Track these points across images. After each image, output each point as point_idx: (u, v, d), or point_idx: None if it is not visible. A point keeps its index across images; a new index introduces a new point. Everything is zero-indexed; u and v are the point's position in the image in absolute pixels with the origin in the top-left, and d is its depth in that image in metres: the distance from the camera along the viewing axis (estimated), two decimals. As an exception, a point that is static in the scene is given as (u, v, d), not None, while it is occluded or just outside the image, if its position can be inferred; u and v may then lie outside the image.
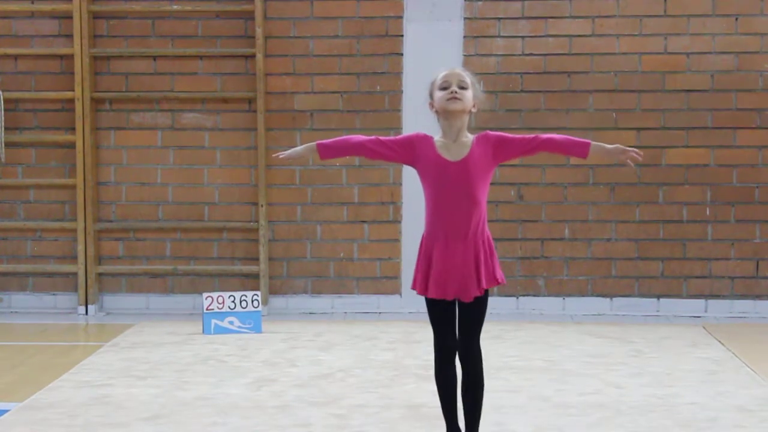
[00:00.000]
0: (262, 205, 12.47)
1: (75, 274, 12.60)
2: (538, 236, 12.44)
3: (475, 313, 6.43)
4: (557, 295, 12.47)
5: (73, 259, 12.60)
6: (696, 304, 12.37)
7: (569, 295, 12.42)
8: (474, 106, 6.48)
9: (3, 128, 12.44)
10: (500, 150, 6.40)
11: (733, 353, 10.16)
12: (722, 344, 10.60)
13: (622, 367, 9.58)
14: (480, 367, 6.46)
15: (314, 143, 6.76)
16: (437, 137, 6.47)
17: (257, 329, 11.26)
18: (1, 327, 11.86)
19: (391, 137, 6.63)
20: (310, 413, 8.00)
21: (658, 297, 12.42)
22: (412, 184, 12.26)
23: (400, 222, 12.52)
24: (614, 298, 12.44)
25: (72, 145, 12.53)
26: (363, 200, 12.54)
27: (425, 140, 6.46)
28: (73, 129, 12.50)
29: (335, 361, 9.87)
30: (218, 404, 8.26)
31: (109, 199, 12.69)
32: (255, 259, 12.53)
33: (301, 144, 12.18)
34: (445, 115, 6.41)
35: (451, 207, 6.29)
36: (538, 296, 12.45)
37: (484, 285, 6.33)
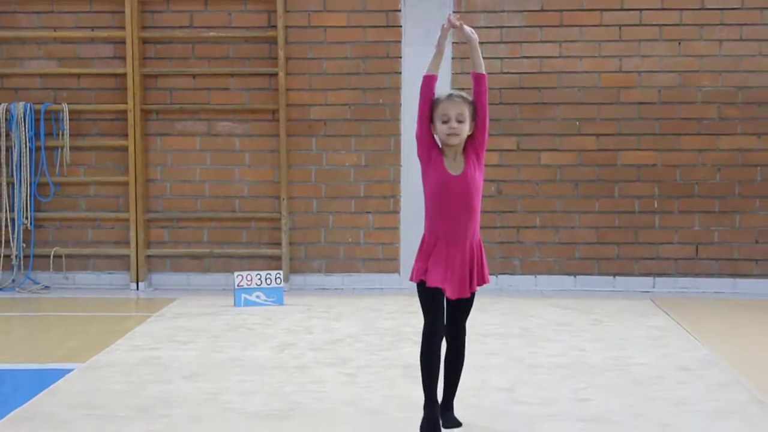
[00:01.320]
0: (283, 199, 12.47)
1: (128, 256, 12.61)
2: (514, 224, 12.44)
3: (466, 306, 6.32)
4: (530, 273, 12.48)
5: (126, 243, 12.61)
6: (646, 281, 12.38)
7: (540, 274, 12.42)
8: (470, 129, 6.23)
9: (69, 135, 12.47)
10: (475, 139, 6.22)
11: (677, 322, 10.17)
12: (667, 314, 10.60)
13: (584, 334, 9.60)
14: (464, 344, 6.39)
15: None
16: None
17: (280, 302, 11.27)
18: (66, 301, 11.86)
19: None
20: (324, 372, 8.02)
21: (614, 275, 12.43)
22: (409, 181, 12.31)
23: (399, 213, 12.52)
24: (577, 276, 12.45)
25: (125, 149, 12.54)
26: (368, 194, 12.53)
27: (439, 149, 6.27)
28: (126, 135, 12.50)
29: (345, 328, 9.89)
30: (247, 365, 8.28)
31: (156, 194, 12.70)
32: (278, 244, 12.54)
33: (317, 148, 12.36)
34: (444, 144, 6.21)
35: (451, 217, 6.17)
36: (514, 275, 12.46)
37: (475, 286, 6.24)
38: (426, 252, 6.24)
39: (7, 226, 12.52)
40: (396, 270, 12.53)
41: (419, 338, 9.15)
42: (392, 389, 7.45)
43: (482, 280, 6.29)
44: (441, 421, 6.19)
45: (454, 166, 6.19)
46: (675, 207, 12.32)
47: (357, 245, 12.59)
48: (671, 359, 8.46)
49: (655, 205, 12.33)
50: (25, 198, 12.49)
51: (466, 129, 6.17)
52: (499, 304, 11.18)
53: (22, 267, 12.58)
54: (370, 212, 12.56)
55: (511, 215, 12.42)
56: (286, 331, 9.78)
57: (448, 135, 6.11)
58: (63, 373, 7.93)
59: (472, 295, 6.30)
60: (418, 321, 9.98)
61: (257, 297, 11.25)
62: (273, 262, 12.47)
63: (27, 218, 12.52)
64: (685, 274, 12.35)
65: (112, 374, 7.91)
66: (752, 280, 12.28)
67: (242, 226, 12.66)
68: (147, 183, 12.64)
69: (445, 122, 6.15)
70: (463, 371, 6.48)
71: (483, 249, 6.31)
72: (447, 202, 6.17)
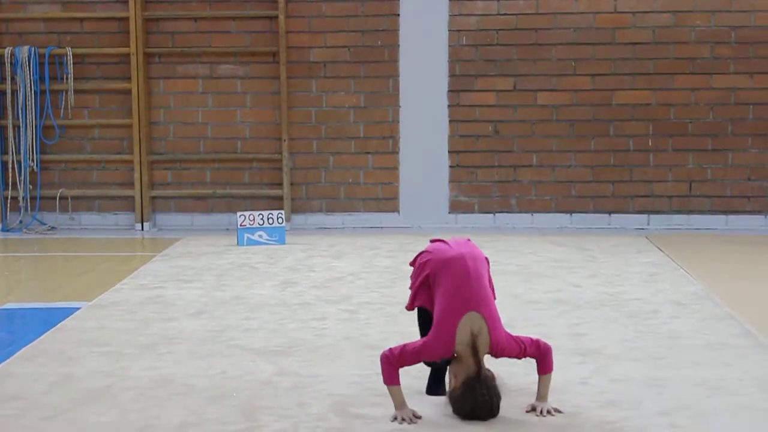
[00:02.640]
0: (284, 140, 12.43)
1: (132, 197, 12.58)
2: (511, 164, 12.40)
3: None
4: (527, 211, 12.46)
5: (131, 185, 12.58)
6: (640, 219, 12.36)
7: (537, 212, 12.40)
8: None
9: (73, 78, 12.41)
10: None
11: (670, 258, 10.16)
12: (661, 251, 10.60)
13: (580, 270, 9.60)
14: None
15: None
16: None
17: (282, 241, 11.26)
18: (73, 241, 11.87)
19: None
20: (326, 309, 8.03)
21: (609, 213, 12.41)
22: (407, 121, 12.27)
23: (398, 153, 12.48)
24: (573, 214, 12.43)
25: (128, 92, 12.47)
26: (367, 135, 12.49)
27: None
28: (129, 79, 12.44)
29: (345, 267, 9.88)
30: (250, 302, 8.28)
31: (159, 136, 12.65)
32: (279, 184, 12.51)
33: (317, 89, 12.30)
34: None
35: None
36: (511, 213, 12.44)
37: None
38: None
39: (13, 169, 12.50)
40: (395, 209, 12.51)
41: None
42: (392, 326, 7.46)
43: None
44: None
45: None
46: (669, 145, 12.28)
47: (357, 185, 12.56)
48: (665, 294, 8.46)
49: (650, 144, 12.29)
50: (30, 140, 12.45)
51: None
52: (496, 241, 11.17)
53: (29, 208, 12.56)
54: (369, 153, 12.52)
55: (508, 155, 12.38)
56: (288, 269, 9.78)
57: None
58: (70, 311, 7.93)
59: None
60: (417, 259, 10.01)
61: (260, 236, 11.24)
62: (275, 202, 12.46)
63: (33, 160, 12.49)
64: (678, 211, 12.34)
65: (117, 312, 7.92)
66: (744, 217, 12.27)
67: (244, 167, 12.62)
68: (150, 125, 12.59)
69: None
70: None
71: None
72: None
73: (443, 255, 5.52)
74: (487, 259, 5.69)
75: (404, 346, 5.30)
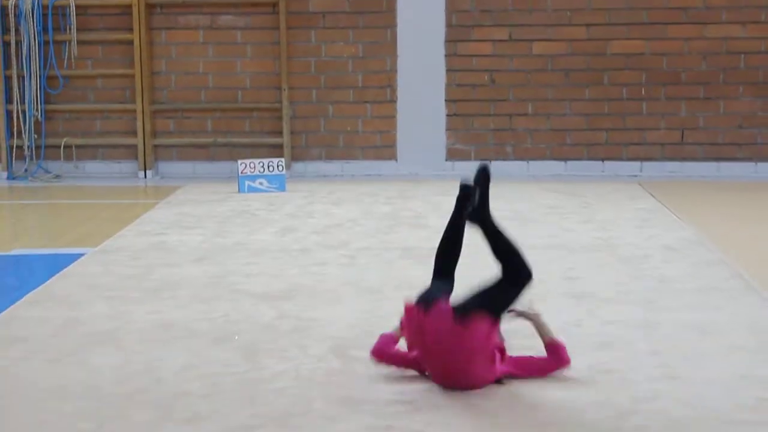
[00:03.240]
0: (284, 89, 12.38)
1: (135, 146, 12.55)
2: (507, 112, 12.36)
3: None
4: (522, 159, 12.44)
5: (134, 133, 12.55)
6: (633, 166, 12.35)
7: (532, 159, 12.38)
8: None
9: (76, 29, 12.35)
10: None
11: (663, 204, 10.16)
12: (654, 197, 10.60)
13: (574, 216, 9.60)
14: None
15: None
16: None
17: (282, 188, 11.24)
18: (77, 189, 11.86)
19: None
20: (326, 254, 8.03)
21: (603, 160, 12.39)
22: (405, 71, 12.23)
23: (395, 102, 12.44)
24: (568, 161, 12.41)
25: (131, 43, 12.40)
26: (366, 84, 12.45)
27: None
28: (131, 29, 12.36)
29: (344, 213, 9.88)
30: (252, 248, 8.29)
31: (161, 86, 12.61)
32: (279, 133, 12.48)
33: (316, 40, 12.24)
34: None
35: None
36: (507, 160, 12.41)
37: None
38: None
39: (18, 118, 12.46)
40: (393, 157, 12.49)
41: (416, 222, 9.19)
42: (390, 270, 7.47)
43: None
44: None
45: None
46: (662, 94, 12.24)
47: (355, 133, 12.53)
48: (657, 239, 8.47)
49: (643, 93, 12.25)
50: (35, 90, 12.41)
51: None
52: (492, 189, 11.12)
53: (34, 157, 12.54)
54: (367, 102, 12.48)
55: (504, 103, 12.34)
56: (289, 216, 9.78)
57: None
58: (75, 257, 7.94)
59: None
60: (415, 206, 10.03)
61: (260, 184, 11.23)
62: (275, 150, 12.42)
63: (38, 110, 12.45)
64: (671, 159, 12.32)
65: (121, 258, 7.92)
66: (735, 164, 12.26)
67: (245, 116, 12.59)
68: (152, 75, 12.54)
69: None
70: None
71: None
72: None
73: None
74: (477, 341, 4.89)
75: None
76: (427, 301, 4.99)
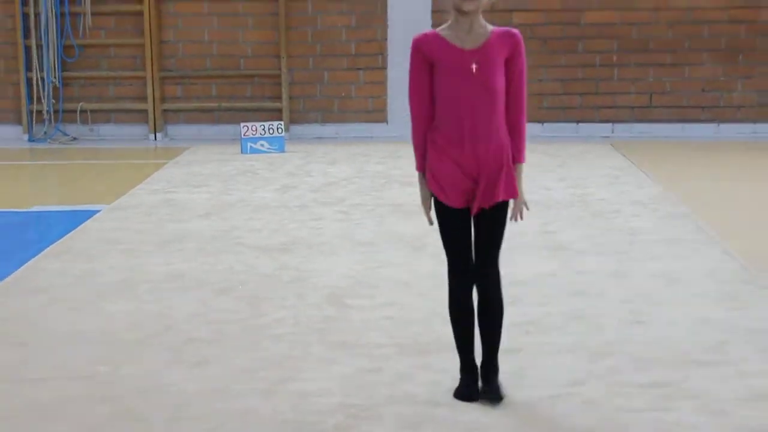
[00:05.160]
0: (283, 57, 12.32)
1: (145, 110, 12.50)
2: (488, 78, 12.31)
3: (494, 229, 4.37)
4: (503, 121, 12.39)
5: (144, 99, 12.49)
6: (605, 128, 12.33)
7: (512, 122, 12.35)
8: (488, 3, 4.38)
9: (90, 2, 12.25)
10: (509, 59, 4.43)
11: (632, 163, 10.16)
12: (625, 156, 10.60)
13: (551, 174, 9.59)
14: (499, 292, 4.31)
15: (418, 174, 4.49)
16: (442, 29, 4.39)
17: (281, 149, 11.22)
18: (92, 150, 11.82)
19: (414, 74, 4.53)
20: (323, 210, 8.03)
21: (577, 122, 12.38)
22: (394, 38, 12.18)
23: (386, 68, 12.39)
24: (545, 123, 12.39)
25: (141, 14, 12.32)
26: (358, 52, 12.39)
27: (429, 40, 4.41)
28: (142, 1, 12.27)
29: (339, 172, 9.87)
30: (254, 204, 8.28)
31: (169, 54, 12.53)
32: (279, 98, 12.43)
33: (312, 10, 12.17)
34: (458, 12, 4.31)
35: (471, 102, 4.33)
36: (488, 123, 12.36)
37: (505, 195, 4.42)
38: (438, 160, 4.41)
39: (38, 84, 12.39)
40: (384, 120, 12.47)
41: (407, 180, 9.16)
42: (381, 225, 7.47)
43: (513, 191, 4.49)
44: (479, 388, 4.28)
45: (468, 40, 4.33)
46: (631, 60, 12.21)
47: (349, 98, 12.49)
48: (627, 195, 8.48)
49: (614, 59, 12.22)
50: (52, 59, 12.34)
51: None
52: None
53: (52, 121, 12.48)
54: (360, 68, 12.43)
55: (486, 70, 12.28)
56: (288, 174, 9.76)
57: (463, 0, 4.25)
58: (91, 213, 7.92)
59: (503, 214, 4.42)
60: (404, 165, 10.02)
61: (261, 145, 11.20)
62: (275, 114, 12.38)
63: (55, 77, 12.39)
64: (640, 121, 12.31)
65: (134, 214, 7.91)
66: (699, 125, 12.25)
67: (247, 82, 12.53)
68: (161, 44, 12.46)
69: None
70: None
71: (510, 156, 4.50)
72: (462, 82, 4.33)
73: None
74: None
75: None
76: None
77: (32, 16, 12.26)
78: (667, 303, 5.45)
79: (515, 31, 4.41)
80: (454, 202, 4.29)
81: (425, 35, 4.41)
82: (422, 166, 4.46)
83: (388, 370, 4.52)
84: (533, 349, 4.77)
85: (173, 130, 12.64)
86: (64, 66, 12.45)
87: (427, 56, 4.39)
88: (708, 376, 4.40)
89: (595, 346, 4.79)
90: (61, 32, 12.34)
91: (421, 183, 4.45)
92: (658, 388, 4.27)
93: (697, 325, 5.08)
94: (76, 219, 7.71)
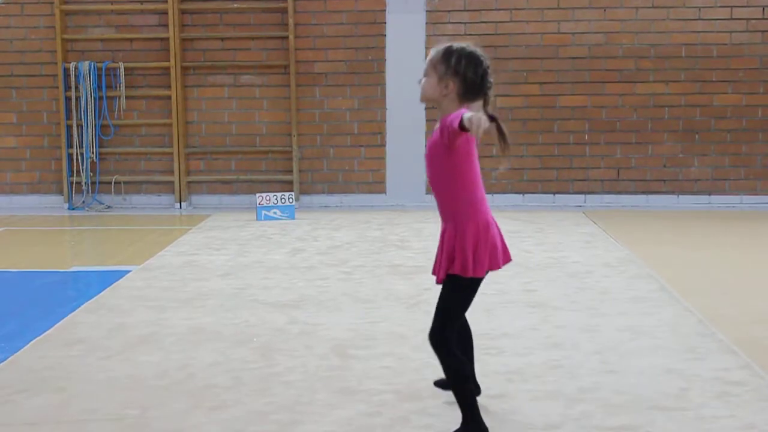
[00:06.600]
0: (294, 136, 12.40)
1: (172, 182, 12.56)
2: (475, 154, 12.37)
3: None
4: (487, 192, 12.20)
5: (171, 172, 12.55)
6: (578, 198, 12.38)
7: (495, 193, 12.39)
8: (447, 87, 4.07)
9: (124, 87, 12.37)
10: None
11: (602, 229, 10.18)
12: (595, 224, 10.62)
13: (530, 239, 9.61)
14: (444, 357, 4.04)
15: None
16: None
17: (292, 217, 11.25)
18: (124, 217, 11.84)
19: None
20: (328, 271, 8.03)
21: (554, 193, 12.43)
22: (392, 120, 12.27)
23: (385, 146, 12.46)
24: (525, 195, 12.44)
25: (169, 98, 12.43)
26: (360, 132, 12.47)
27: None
28: (170, 87, 12.39)
29: (343, 237, 9.88)
30: (268, 265, 8.28)
31: (193, 133, 12.61)
32: (290, 171, 12.49)
33: (320, 95, 12.28)
34: None
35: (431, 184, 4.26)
36: (475, 194, 12.40)
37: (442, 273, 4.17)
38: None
39: (77, 159, 12.47)
40: (383, 191, 12.51)
41: (402, 244, 9.17)
42: (380, 284, 7.47)
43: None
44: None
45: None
46: (601, 139, 12.30)
47: (352, 172, 12.55)
48: (598, 258, 8.49)
49: (586, 138, 12.30)
50: (91, 137, 12.42)
51: (426, 86, 4.12)
52: (463, 216, 11.15)
53: (89, 191, 12.53)
54: (362, 146, 12.50)
55: (473, 147, 12.35)
56: (298, 239, 9.78)
57: None
58: (123, 273, 7.93)
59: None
60: (401, 231, 10.03)
61: (274, 213, 11.24)
62: (286, 185, 12.44)
63: (93, 153, 12.46)
64: (609, 192, 12.36)
65: (161, 274, 7.91)
66: (661, 196, 12.31)
67: (262, 157, 12.60)
68: (186, 124, 12.55)
69: None
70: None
71: (459, 236, 4.25)
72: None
73: None
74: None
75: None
76: None
77: (74, 100, 12.37)
78: (634, 354, 5.44)
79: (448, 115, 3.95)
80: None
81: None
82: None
83: (387, 413, 4.50)
84: (515, 395, 4.75)
85: (196, 199, 12.68)
86: (100, 143, 12.53)
87: None
88: (671, 420, 4.38)
89: (571, 392, 4.77)
90: (98, 113, 12.44)
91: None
92: None
93: (661, 374, 5.07)
94: (109, 278, 7.72)
